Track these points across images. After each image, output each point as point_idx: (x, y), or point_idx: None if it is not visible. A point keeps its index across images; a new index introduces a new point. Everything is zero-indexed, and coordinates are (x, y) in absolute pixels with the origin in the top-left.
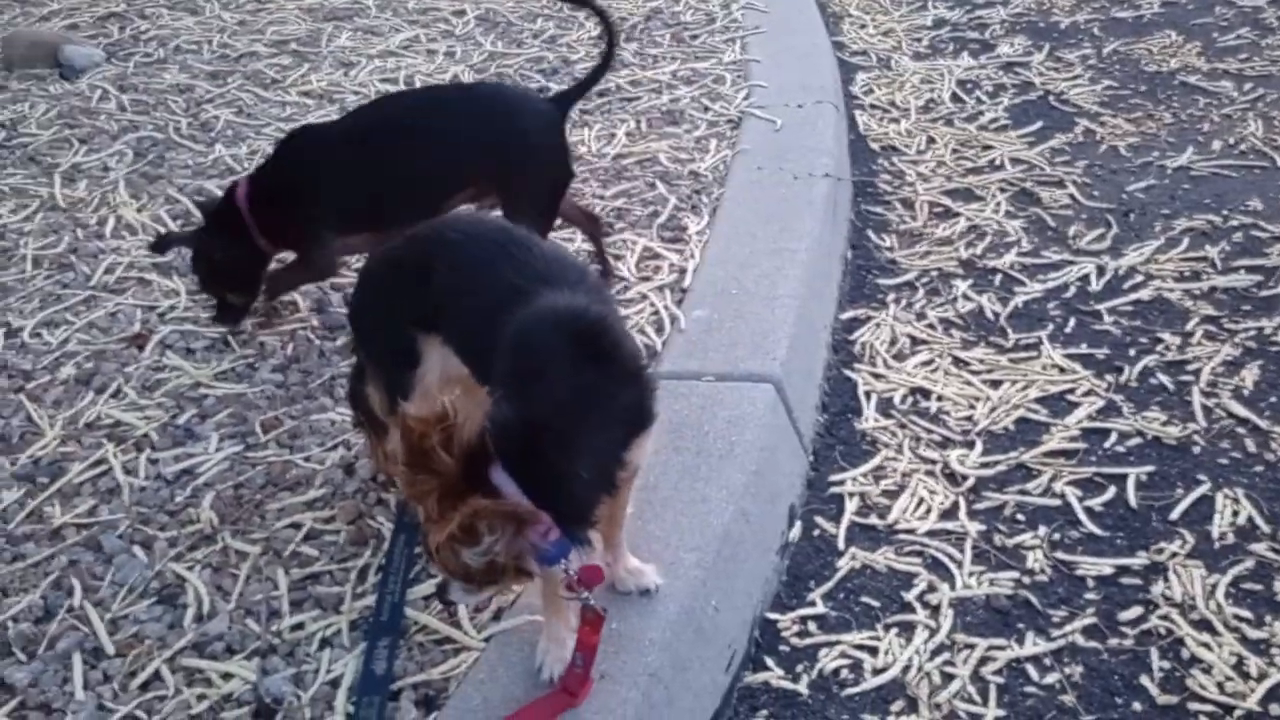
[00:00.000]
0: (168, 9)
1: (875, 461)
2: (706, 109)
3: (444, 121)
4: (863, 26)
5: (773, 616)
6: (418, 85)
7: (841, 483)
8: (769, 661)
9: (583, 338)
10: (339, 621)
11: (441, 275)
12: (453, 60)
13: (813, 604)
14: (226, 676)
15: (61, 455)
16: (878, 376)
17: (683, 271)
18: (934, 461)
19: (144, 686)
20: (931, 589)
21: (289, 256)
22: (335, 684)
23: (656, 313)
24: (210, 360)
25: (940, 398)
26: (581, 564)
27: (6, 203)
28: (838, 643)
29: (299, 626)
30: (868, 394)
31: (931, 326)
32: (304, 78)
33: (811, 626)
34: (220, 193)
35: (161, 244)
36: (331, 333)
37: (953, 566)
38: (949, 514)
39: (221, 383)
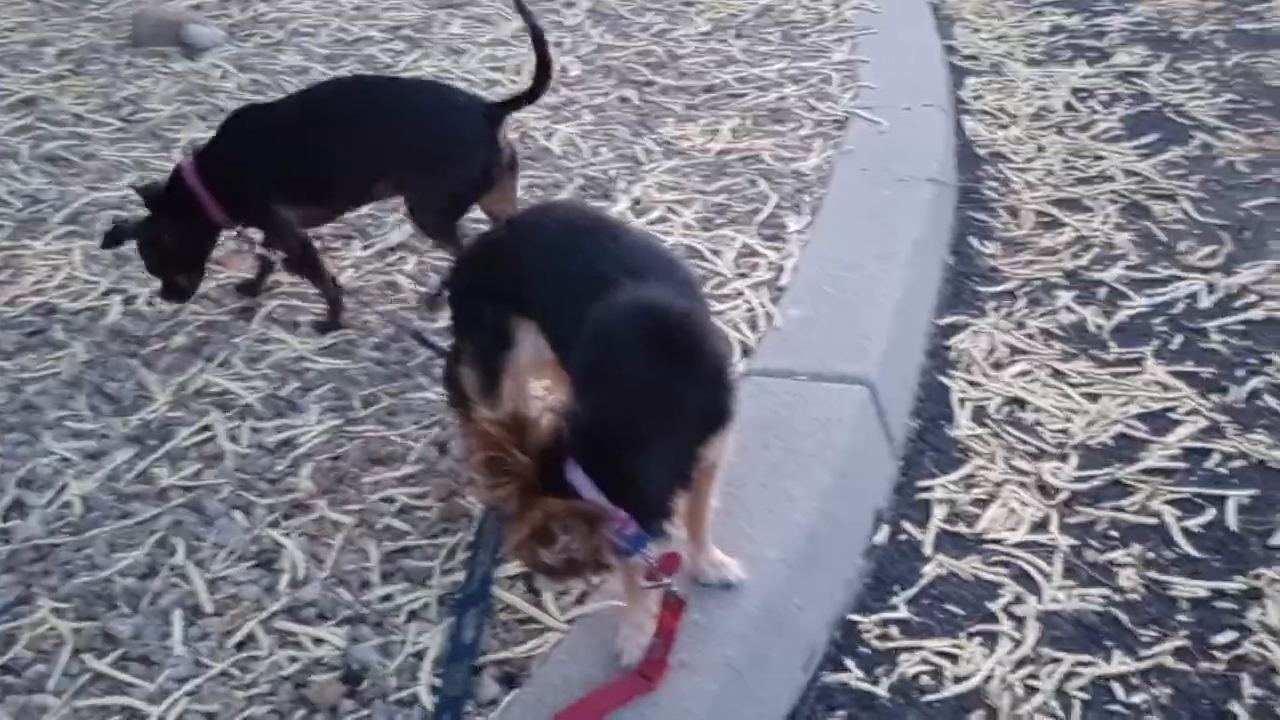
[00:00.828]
0: None
1: (966, 470)
2: (813, 108)
3: (370, 112)
4: (975, 30)
5: (854, 618)
6: (523, 75)
7: (930, 489)
8: (848, 662)
9: (662, 335)
10: (427, 596)
11: (531, 260)
12: (561, 51)
13: (895, 608)
14: (317, 641)
15: (170, 420)
16: (973, 384)
17: (780, 269)
18: (1027, 473)
19: (239, 646)
20: (1018, 600)
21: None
22: (420, 656)
23: (752, 309)
24: (314, 335)
25: (1037, 409)
26: (661, 551)
27: (128, 175)
28: (919, 648)
29: (388, 598)
30: (962, 401)
31: (1031, 336)
32: (415, 64)
33: (893, 630)
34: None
35: (116, 236)
36: (431, 315)
37: (1041, 579)
38: (1040, 526)
39: (324, 358)
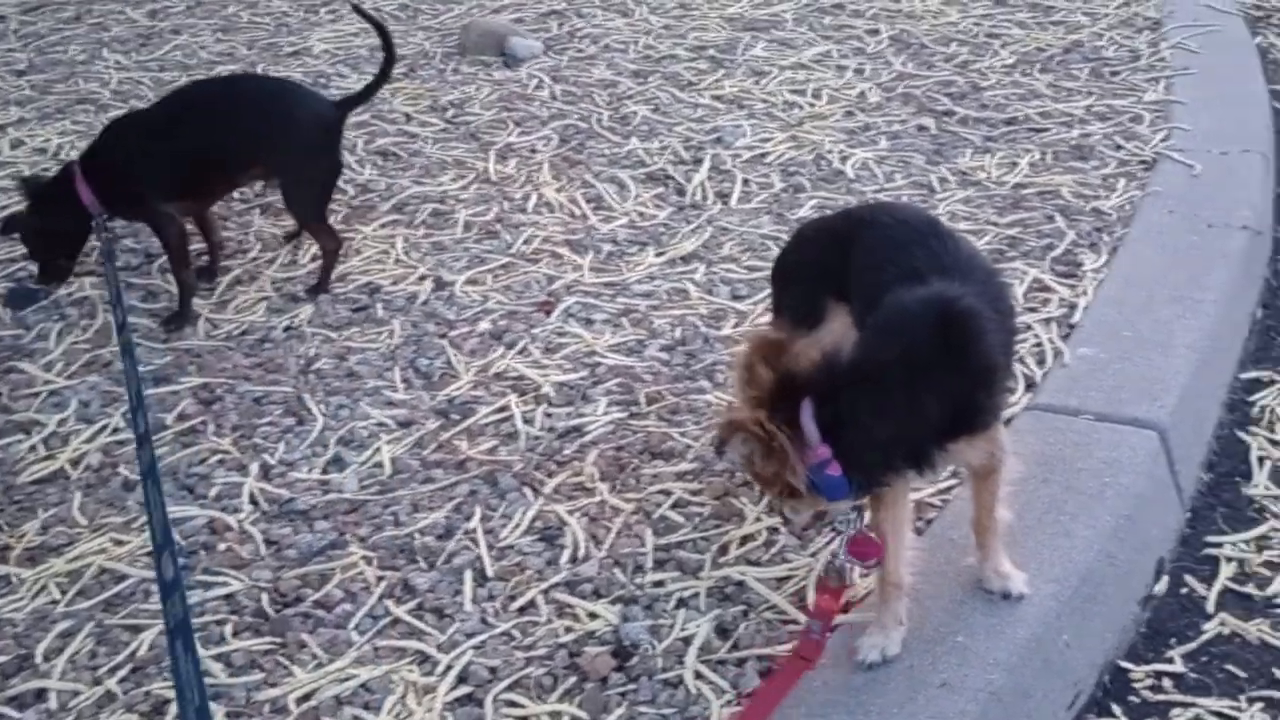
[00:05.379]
0: (602, 10)
1: (1260, 530)
2: (1119, 147)
3: (232, 108)
4: None
5: (1126, 665)
6: (822, 98)
7: (1219, 545)
8: (1115, 709)
9: (939, 320)
10: (697, 586)
11: (860, 251)
12: (861, 77)
13: (1171, 661)
14: (592, 615)
15: (472, 397)
16: (1276, 443)
17: (1072, 307)
18: None
19: (521, 610)
20: None
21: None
22: (688, 641)
23: (1039, 345)
24: (605, 332)
25: None
26: (861, 533)
27: (449, 172)
28: (1193, 705)
29: (660, 584)
30: (1261, 459)
31: None
32: (717, 82)
33: (1166, 683)
34: None
35: (7, 227)
36: (717, 322)
37: None
38: None
39: (613, 354)
